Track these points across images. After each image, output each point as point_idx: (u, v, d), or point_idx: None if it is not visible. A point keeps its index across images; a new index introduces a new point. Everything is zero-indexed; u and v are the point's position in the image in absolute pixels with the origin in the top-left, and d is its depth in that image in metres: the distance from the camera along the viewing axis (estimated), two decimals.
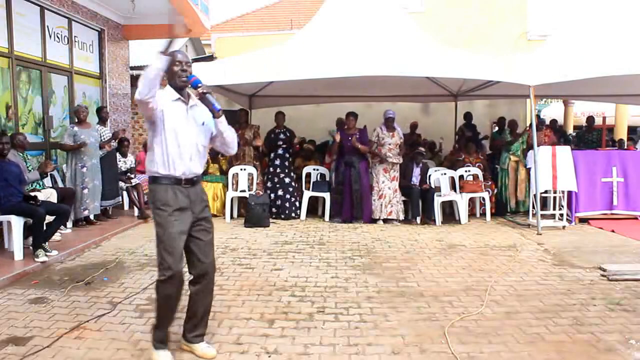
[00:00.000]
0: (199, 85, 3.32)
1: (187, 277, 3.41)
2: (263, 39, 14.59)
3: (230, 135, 3.53)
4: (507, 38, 14.50)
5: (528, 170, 8.64)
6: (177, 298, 3.35)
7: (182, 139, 3.30)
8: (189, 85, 3.34)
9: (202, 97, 3.35)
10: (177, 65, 3.29)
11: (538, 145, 7.87)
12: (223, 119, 3.45)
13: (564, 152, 8.02)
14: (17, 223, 5.89)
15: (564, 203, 8.10)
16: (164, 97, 3.26)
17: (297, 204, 9.15)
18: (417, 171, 8.89)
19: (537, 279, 5.29)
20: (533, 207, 8.05)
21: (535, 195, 7.82)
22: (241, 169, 9.08)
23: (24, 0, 7.93)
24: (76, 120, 7.98)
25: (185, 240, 3.31)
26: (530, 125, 8.31)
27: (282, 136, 9.18)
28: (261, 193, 8.88)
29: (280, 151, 9.15)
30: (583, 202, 8.35)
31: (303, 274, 5.49)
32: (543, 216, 7.97)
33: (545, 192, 8.15)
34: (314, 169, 9.58)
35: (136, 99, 3.11)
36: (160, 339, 3.39)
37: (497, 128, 11.43)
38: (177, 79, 3.30)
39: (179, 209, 3.28)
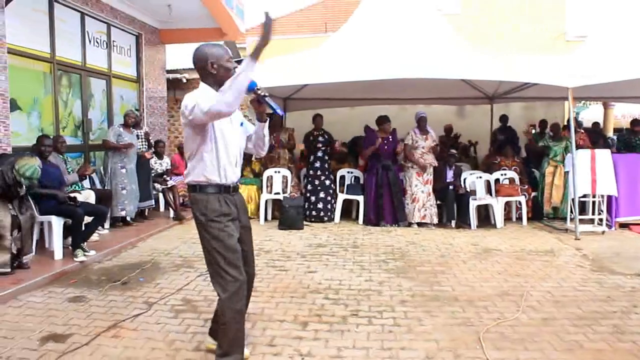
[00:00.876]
0: (257, 87, 3.07)
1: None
2: (298, 42, 14.66)
3: (268, 137, 3.43)
4: (545, 39, 14.28)
5: (566, 175, 8.48)
6: (245, 310, 3.24)
7: (229, 144, 3.15)
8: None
9: (263, 101, 3.15)
10: (230, 62, 3.11)
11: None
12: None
13: (604, 155, 7.84)
14: (57, 223, 6.04)
15: (604, 208, 7.92)
16: (206, 96, 2.96)
17: (332, 207, 9.16)
18: (450, 174, 8.80)
19: (575, 285, 5.18)
20: (571, 212, 7.89)
21: (573, 200, 7.66)
22: (275, 172, 9.13)
23: (66, 7, 8.14)
24: (122, 123, 8.20)
25: None
26: (567, 128, 8.14)
27: (320, 138, 9.19)
28: (295, 195, 8.91)
29: (319, 154, 9.15)
30: (623, 207, 8.14)
31: (337, 277, 5.48)
32: (582, 221, 7.80)
33: (584, 196, 7.98)
34: (348, 172, 9.57)
35: (224, 112, 2.85)
36: None
37: (534, 131, 11.24)
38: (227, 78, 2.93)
39: (232, 219, 3.16)
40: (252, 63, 2.79)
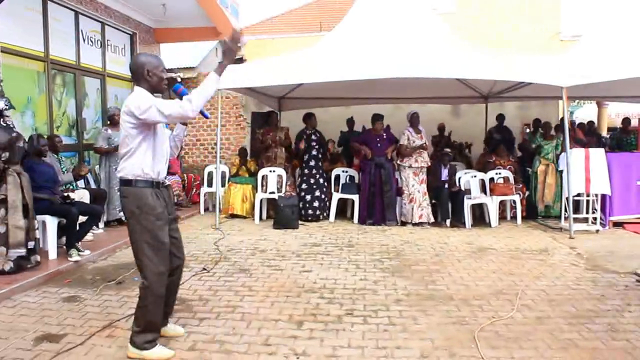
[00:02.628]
0: (180, 89, 3.50)
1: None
2: (292, 41, 14.69)
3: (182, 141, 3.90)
4: (540, 38, 14.32)
5: (560, 174, 8.50)
6: (166, 294, 3.59)
7: (162, 143, 3.53)
8: (179, 94, 3.48)
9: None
10: (163, 72, 3.52)
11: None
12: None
13: (598, 154, 7.87)
14: (51, 223, 6.02)
15: (598, 206, 7.96)
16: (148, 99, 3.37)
17: (327, 206, 9.15)
18: (445, 173, 8.82)
19: (570, 283, 5.20)
20: (565, 211, 7.92)
21: (567, 199, 7.68)
22: (270, 171, 9.13)
23: (60, 6, 8.11)
24: (108, 123, 8.12)
25: None
26: (558, 127, 8.15)
27: (313, 137, 9.20)
28: (291, 194, 8.90)
29: (314, 152, 9.16)
30: (617, 206, 8.17)
31: (332, 276, 5.49)
32: (576, 220, 7.83)
33: (578, 195, 8.01)
34: (343, 171, 9.58)
35: (190, 116, 3.30)
36: (154, 339, 3.53)
37: (528, 130, 11.26)
38: (162, 85, 3.50)
39: (161, 212, 3.47)
40: (218, 77, 3.29)
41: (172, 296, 3.76)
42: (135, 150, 3.38)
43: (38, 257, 5.57)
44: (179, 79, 3.59)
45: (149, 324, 3.47)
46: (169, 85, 3.52)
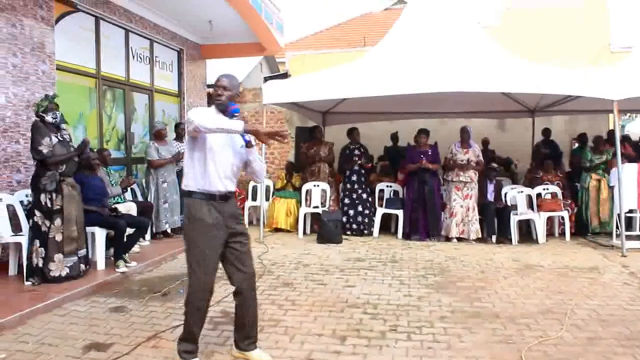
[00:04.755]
0: (236, 114, 3.47)
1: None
2: (336, 56, 14.77)
3: (259, 166, 3.72)
4: (588, 50, 14.01)
5: (611, 189, 8.26)
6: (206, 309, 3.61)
7: (219, 158, 3.48)
8: (228, 112, 3.48)
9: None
10: (217, 89, 3.56)
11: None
12: (254, 150, 3.63)
13: None
14: (100, 234, 6.19)
15: None
16: (208, 116, 3.41)
17: (370, 221, 9.12)
18: (490, 188, 8.68)
19: (622, 303, 5.02)
20: (617, 228, 7.67)
21: (619, 215, 7.45)
22: (314, 185, 9.16)
23: (111, 24, 8.38)
24: (154, 137, 8.34)
25: (223, 253, 3.53)
26: (606, 141, 7.91)
27: (357, 152, 9.20)
28: (335, 209, 8.91)
29: (356, 167, 9.16)
30: None
31: (375, 292, 5.45)
32: (628, 237, 7.55)
33: (631, 211, 7.76)
34: (387, 186, 9.53)
35: (195, 123, 3.28)
36: (193, 350, 3.56)
37: (576, 145, 11.00)
38: (215, 101, 3.55)
39: (214, 225, 3.46)
40: (239, 129, 3.29)
41: (247, 317, 3.64)
42: (189, 162, 3.49)
43: (84, 267, 5.77)
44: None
45: (188, 333, 3.53)
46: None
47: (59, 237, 5.46)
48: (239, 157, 3.61)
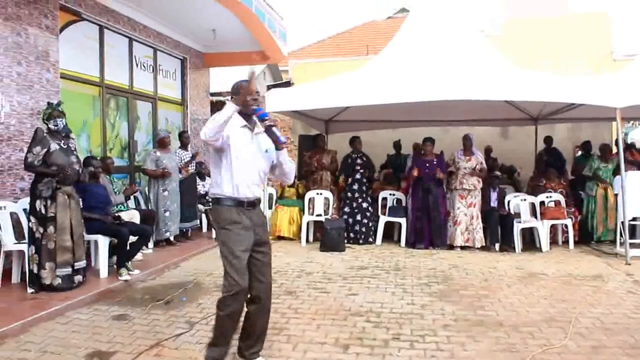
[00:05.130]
0: (266, 118, 3.45)
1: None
2: (339, 64, 14.78)
3: (290, 167, 3.68)
4: (591, 58, 14.02)
5: (615, 197, 8.24)
6: (239, 314, 3.49)
7: (245, 165, 3.49)
8: (257, 116, 3.48)
9: (268, 130, 3.47)
10: (250, 94, 3.44)
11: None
12: (285, 150, 3.60)
13: None
14: (103, 242, 6.19)
15: None
16: (231, 123, 3.37)
17: (373, 228, 9.11)
18: (494, 196, 8.67)
19: (627, 312, 5.00)
20: (621, 236, 7.64)
21: (623, 223, 7.43)
22: (317, 194, 9.16)
23: (115, 33, 8.43)
24: (157, 145, 8.33)
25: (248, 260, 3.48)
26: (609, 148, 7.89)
27: (359, 161, 9.21)
28: (337, 217, 8.90)
29: (357, 176, 9.17)
30: None
31: (378, 300, 5.43)
32: (632, 245, 7.54)
33: (634, 219, 7.73)
34: (390, 194, 9.53)
35: (202, 139, 3.36)
36: (219, 357, 3.50)
37: (579, 152, 10.98)
38: (248, 107, 3.46)
39: (242, 227, 3.47)
40: (233, 106, 3.32)
41: (256, 326, 3.62)
42: (216, 171, 3.52)
43: (81, 278, 5.68)
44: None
45: (217, 337, 3.49)
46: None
47: (51, 245, 5.42)
48: (267, 161, 3.64)
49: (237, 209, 3.48)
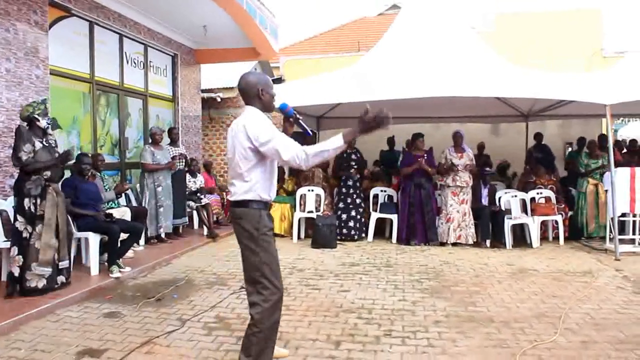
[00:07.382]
0: (295, 112, 3.51)
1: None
2: (330, 61, 14.79)
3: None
4: (581, 55, 14.10)
5: (605, 193, 8.28)
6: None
7: (275, 167, 3.45)
8: (286, 112, 3.52)
9: (297, 122, 3.50)
10: (273, 89, 3.51)
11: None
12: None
13: None
14: (93, 240, 6.16)
15: None
16: (269, 124, 3.33)
17: (365, 225, 9.12)
18: (485, 192, 8.70)
19: (616, 307, 5.03)
20: (610, 232, 7.69)
21: (612, 219, 7.47)
22: (309, 190, 9.15)
23: (105, 29, 8.38)
24: (150, 142, 8.29)
25: None
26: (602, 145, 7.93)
27: (353, 157, 9.19)
28: (329, 214, 8.90)
29: (352, 171, 9.15)
30: None
31: (370, 296, 5.44)
32: (622, 241, 7.59)
33: (624, 215, 7.78)
34: (382, 190, 9.54)
35: (302, 168, 3.26)
36: None
37: (570, 149, 11.04)
38: (273, 103, 3.49)
39: (272, 229, 3.41)
40: (342, 143, 3.18)
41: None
42: (251, 173, 3.27)
43: (64, 279, 5.53)
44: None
45: (262, 353, 3.27)
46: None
47: (38, 245, 5.22)
48: None
49: (266, 212, 3.38)
